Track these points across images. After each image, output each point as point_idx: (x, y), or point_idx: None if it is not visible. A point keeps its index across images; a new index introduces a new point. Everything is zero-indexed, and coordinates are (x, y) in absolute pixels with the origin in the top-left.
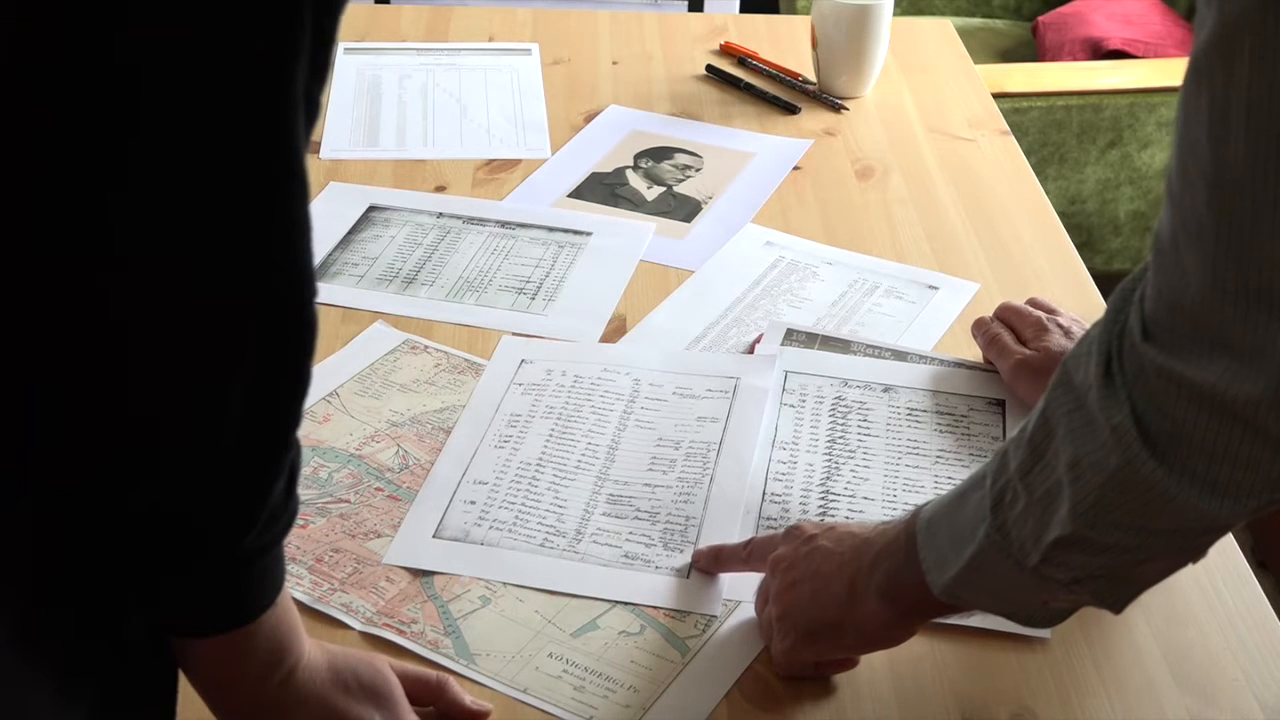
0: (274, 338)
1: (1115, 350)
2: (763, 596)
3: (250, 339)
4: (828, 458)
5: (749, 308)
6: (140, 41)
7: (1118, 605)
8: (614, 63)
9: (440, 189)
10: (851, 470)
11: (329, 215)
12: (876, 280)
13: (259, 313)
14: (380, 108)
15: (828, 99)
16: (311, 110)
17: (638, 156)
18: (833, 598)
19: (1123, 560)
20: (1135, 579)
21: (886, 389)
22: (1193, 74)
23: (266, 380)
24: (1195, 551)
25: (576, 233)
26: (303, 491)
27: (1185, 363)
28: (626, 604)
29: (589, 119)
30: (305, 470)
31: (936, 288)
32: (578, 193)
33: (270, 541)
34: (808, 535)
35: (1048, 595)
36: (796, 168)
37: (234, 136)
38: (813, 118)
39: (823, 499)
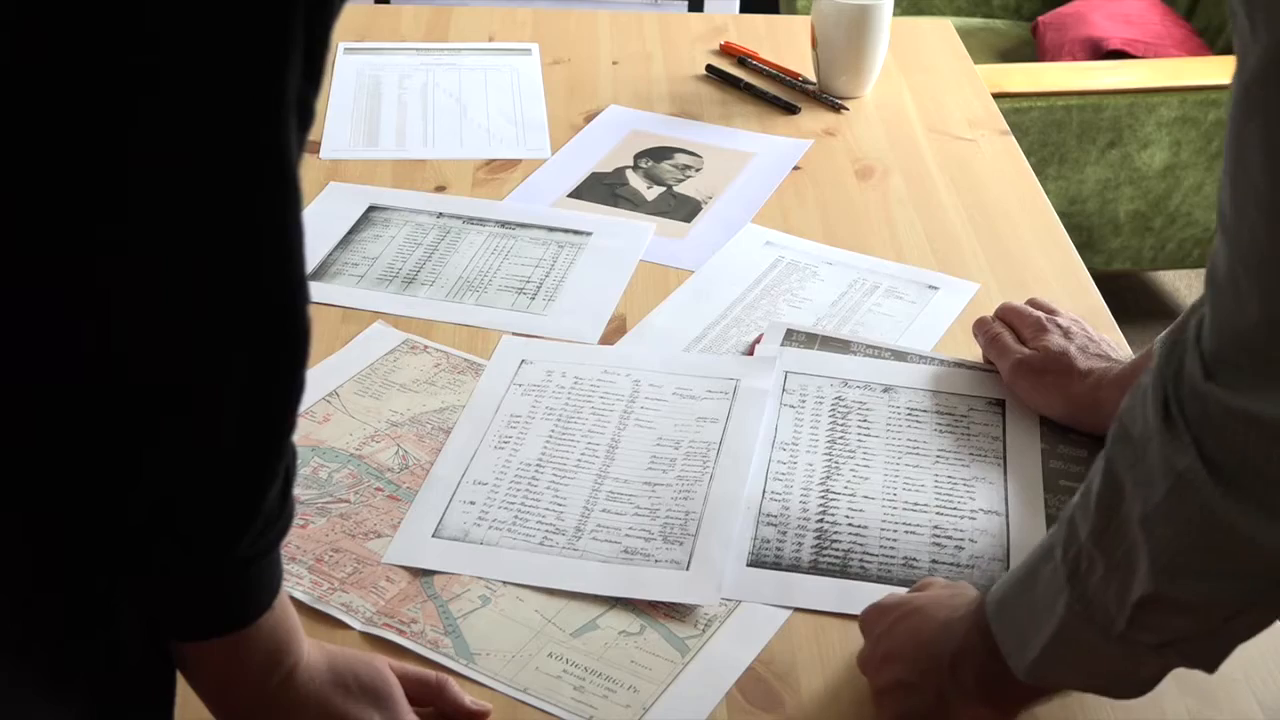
0: (266, 344)
1: (1173, 394)
2: (864, 670)
3: (242, 346)
4: (828, 457)
5: (749, 308)
6: (133, 49)
7: (1210, 665)
8: (614, 63)
9: (440, 189)
10: (851, 470)
11: (329, 215)
12: (876, 280)
13: (251, 319)
14: (380, 108)
15: (828, 99)
16: (305, 116)
17: (638, 156)
18: (925, 707)
19: (1210, 617)
20: (1225, 635)
21: (886, 389)
22: (1242, 103)
23: (259, 387)
24: None
25: (576, 233)
26: (303, 491)
27: (1253, 399)
28: (626, 602)
29: (589, 119)
30: (305, 470)
31: (936, 288)
32: (578, 193)
33: (266, 546)
34: (876, 635)
35: (1137, 663)
36: (796, 168)
37: (223, 144)
38: (813, 118)
39: (823, 498)
